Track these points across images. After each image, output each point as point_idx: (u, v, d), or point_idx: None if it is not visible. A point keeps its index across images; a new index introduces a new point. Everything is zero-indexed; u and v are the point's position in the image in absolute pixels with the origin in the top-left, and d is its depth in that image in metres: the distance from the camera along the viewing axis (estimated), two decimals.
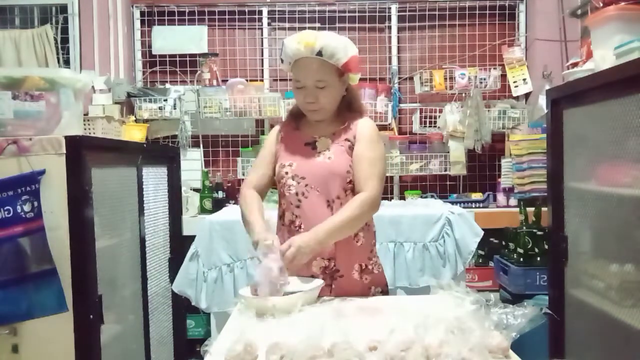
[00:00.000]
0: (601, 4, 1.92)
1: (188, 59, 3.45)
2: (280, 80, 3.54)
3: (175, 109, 3.29)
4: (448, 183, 3.45)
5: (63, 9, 3.38)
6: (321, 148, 1.72)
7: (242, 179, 3.35)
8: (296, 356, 1.06)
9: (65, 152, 1.69)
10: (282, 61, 1.71)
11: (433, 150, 3.34)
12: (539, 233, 2.71)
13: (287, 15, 3.51)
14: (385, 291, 1.81)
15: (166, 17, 3.49)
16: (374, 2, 3.47)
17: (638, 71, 1.48)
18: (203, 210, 3.16)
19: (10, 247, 1.67)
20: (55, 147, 1.69)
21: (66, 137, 1.70)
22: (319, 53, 1.60)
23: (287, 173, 1.71)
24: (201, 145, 3.47)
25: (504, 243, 2.93)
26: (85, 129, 2.30)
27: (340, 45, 1.63)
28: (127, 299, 2.18)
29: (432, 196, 3.27)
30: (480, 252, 3.14)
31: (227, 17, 3.49)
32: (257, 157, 1.86)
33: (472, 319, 1.17)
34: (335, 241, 1.66)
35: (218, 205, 3.15)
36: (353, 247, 1.72)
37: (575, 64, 2.23)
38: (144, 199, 2.31)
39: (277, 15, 3.51)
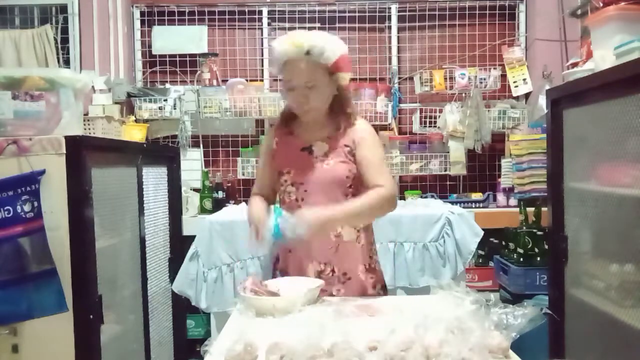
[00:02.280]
0: (601, 4, 1.92)
1: (188, 59, 3.45)
2: (280, 80, 3.53)
3: (175, 109, 3.29)
4: (448, 183, 3.44)
5: (63, 9, 3.38)
6: (318, 153, 1.72)
7: (242, 179, 3.36)
8: (296, 356, 1.06)
9: (65, 152, 1.69)
10: (270, 64, 1.72)
11: (433, 150, 3.34)
12: (539, 233, 2.71)
13: (287, 15, 3.50)
14: (384, 287, 1.83)
15: (166, 17, 3.49)
16: (374, 2, 3.47)
17: (638, 71, 1.48)
18: (203, 210, 3.16)
19: (10, 247, 1.67)
20: (55, 147, 1.69)
21: (66, 137, 1.70)
22: (308, 52, 1.61)
23: (285, 180, 1.72)
24: (201, 145, 3.47)
25: (504, 243, 2.93)
26: (85, 129, 2.30)
27: (329, 44, 1.63)
28: (127, 299, 2.18)
29: (432, 196, 3.27)
30: (480, 252, 3.14)
31: (227, 17, 3.49)
32: (257, 168, 1.86)
33: (472, 319, 1.17)
34: (345, 226, 1.66)
35: (218, 205, 3.15)
36: (356, 248, 1.73)
37: (575, 64, 2.23)
38: (144, 199, 2.31)
39: (277, 15, 3.51)
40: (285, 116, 1.81)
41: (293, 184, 1.70)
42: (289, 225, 1.51)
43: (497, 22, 3.49)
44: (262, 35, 3.53)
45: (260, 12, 3.50)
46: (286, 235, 1.51)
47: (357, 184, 1.70)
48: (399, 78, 3.49)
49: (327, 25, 3.49)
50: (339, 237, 1.70)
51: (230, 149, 3.51)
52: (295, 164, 1.71)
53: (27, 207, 1.67)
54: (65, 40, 3.37)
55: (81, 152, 1.70)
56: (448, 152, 3.28)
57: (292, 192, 1.70)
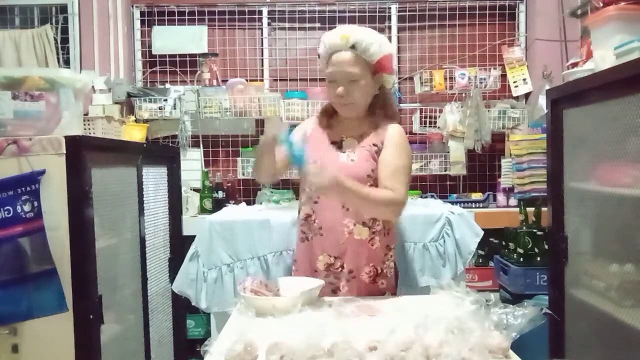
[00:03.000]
0: (601, 4, 1.92)
1: (188, 59, 3.45)
2: (280, 80, 3.54)
3: (175, 109, 3.29)
4: (448, 183, 3.45)
5: (63, 9, 3.38)
6: (346, 148, 1.73)
7: (242, 179, 3.36)
8: (296, 356, 1.06)
9: (65, 152, 1.68)
10: (319, 57, 1.73)
11: (433, 150, 3.34)
12: (539, 233, 2.71)
13: (287, 15, 3.51)
14: (395, 294, 1.83)
15: (166, 17, 3.49)
16: (374, 2, 3.47)
17: (638, 71, 1.48)
18: (203, 210, 3.16)
19: (10, 247, 1.67)
20: (55, 147, 1.68)
21: (66, 137, 1.70)
22: (353, 46, 1.62)
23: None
24: (201, 145, 3.47)
25: (504, 243, 2.93)
26: (85, 129, 2.29)
27: (375, 42, 1.63)
28: (127, 299, 2.18)
29: (432, 196, 3.27)
30: (480, 252, 3.14)
31: (227, 17, 3.49)
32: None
33: (472, 319, 1.17)
34: (343, 200, 1.66)
35: (218, 205, 3.15)
36: (366, 248, 1.73)
37: (575, 64, 2.23)
38: (144, 199, 2.30)
39: (277, 15, 3.51)
40: (327, 112, 1.82)
41: None
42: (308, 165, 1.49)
43: (497, 22, 3.49)
44: (262, 35, 3.53)
45: (260, 12, 3.50)
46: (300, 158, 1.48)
47: (376, 183, 1.70)
48: (399, 78, 3.49)
49: (327, 25, 3.48)
50: (351, 233, 1.71)
51: (230, 149, 3.51)
52: (322, 156, 1.70)
53: (27, 207, 1.67)
54: (65, 40, 3.37)
55: (81, 152, 1.70)
56: (448, 152, 3.28)
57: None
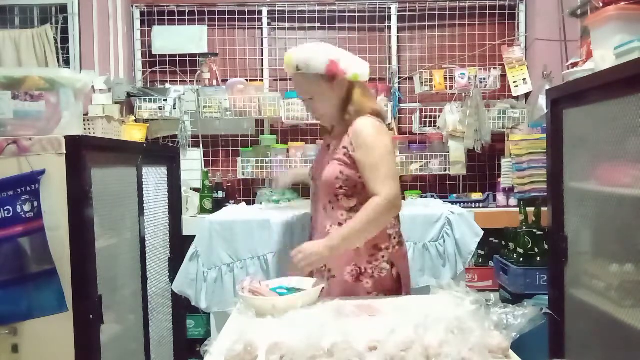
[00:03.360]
0: (601, 4, 1.92)
1: (188, 59, 3.45)
2: (280, 80, 3.54)
3: (175, 109, 3.29)
4: (448, 183, 3.44)
5: (63, 9, 3.38)
6: (331, 152, 1.80)
7: (242, 179, 3.36)
8: (296, 356, 1.06)
9: (65, 152, 1.68)
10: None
11: (433, 150, 3.34)
12: (539, 233, 2.71)
13: (287, 15, 3.50)
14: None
15: (166, 17, 3.49)
16: (374, 2, 3.47)
17: (638, 71, 1.48)
18: (203, 210, 3.15)
19: (10, 247, 1.67)
20: (55, 147, 1.68)
21: (66, 137, 1.70)
22: (297, 68, 1.70)
23: (309, 175, 1.89)
24: (201, 145, 3.47)
25: (504, 243, 2.93)
26: (85, 129, 2.29)
27: (313, 55, 1.69)
28: (127, 299, 2.18)
29: (432, 196, 3.27)
30: (480, 252, 3.14)
31: (227, 17, 3.49)
32: None
33: (472, 319, 1.17)
34: (354, 246, 1.71)
35: (218, 205, 3.14)
36: (347, 249, 1.73)
37: (575, 64, 2.23)
38: (144, 199, 2.31)
39: (277, 15, 3.51)
40: None
41: (312, 179, 1.85)
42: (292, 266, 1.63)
43: (497, 22, 3.49)
44: (262, 35, 3.53)
45: (260, 12, 3.50)
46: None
47: (351, 185, 1.74)
48: (399, 78, 3.48)
49: (327, 25, 3.49)
50: (328, 233, 1.74)
51: (230, 149, 3.51)
52: (316, 160, 1.87)
53: (27, 207, 1.67)
54: (65, 40, 3.37)
55: (81, 152, 1.70)
56: (448, 152, 3.28)
57: (311, 186, 1.88)
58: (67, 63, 3.36)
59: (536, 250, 2.70)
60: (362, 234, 1.67)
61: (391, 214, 1.70)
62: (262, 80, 3.50)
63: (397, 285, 1.80)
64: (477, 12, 3.48)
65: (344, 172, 1.72)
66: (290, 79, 3.47)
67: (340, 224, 1.74)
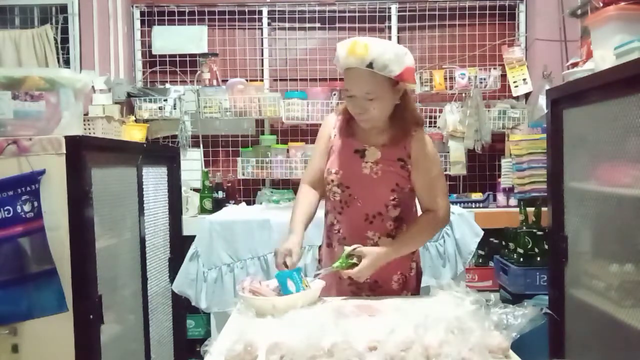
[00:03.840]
0: (601, 4, 1.92)
1: (188, 59, 3.45)
2: (280, 80, 3.54)
3: (175, 109, 3.29)
4: (448, 183, 3.44)
5: (63, 9, 3.38)
6: (369, 158, 1.68)
7: (242, 179, 3.36)
8: (296, 356, 1.06)
9: (65, 152, 1.68)
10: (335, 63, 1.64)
11: None
12: (539, 233, 2.71)
13: (287, 15, 3.51)
14: (414, 294, 1.80)
15: (166, 17, 3.49)
16: (374, 2, 3.47)
17: (638, 71, 1.48)
18: (203, 210, 3.16)
19: (10, 247, 1.67)
20: (55, 147, 1.68)
21: (66, 137, 1.70)
22: (370, 65, 1.51)
23: (332, 180, 1.69)
24: (201, 145, 3.47)
25: (504, 243, 2.93)
26: (85, 129, 2.29)
27: (394, 57, 1.53)
28: (127, 299, 2.18)
29: None
30: (480, 252, 3.13)
31: (227, 17, 3.49)
32: (313, 149, 1.83)
33: (472, 319, 1.17)
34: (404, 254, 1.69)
35: (218, 205, 3.15)
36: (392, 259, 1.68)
37: (575, 64, 2.23)
38: (144, 199, 2.30)
39: (277, 15, 3.51)
40: (348, 114, 1.72)
41: (339, 186, 1.68)
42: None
43: (497, 22, 3.49)
44: (262, 35, 3.53)
45: (260, 12, 3.50)
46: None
47: (403, 197, 1.68)
48: None
49: (327, 25, 3.49)
50: (376, 245, 1.67)
51: (230, 149, 3.51)
52: (345, 166, 1.68)
53: (27, 207, 1.67)
54: (65, 40, 3.37)
55: (81, 152, 1.70)
56: (448, 152, 3.28)
57: (337, 193, 1.69)
58: (67, 63, 3.36)
59: (536, 250, 2.69)
60: (417, 245, 1.74)
61: (441, 227, 1.77)
62: (262, 80, 3.50)
63: (418, 282, 1.81)
64: (477, 12, 3.48)
65: (399, 184, 1.66)
66: (289, 78, 3.51)
67: (389, 235, 1.68)
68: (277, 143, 3.36)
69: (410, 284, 1.77)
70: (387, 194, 1.66)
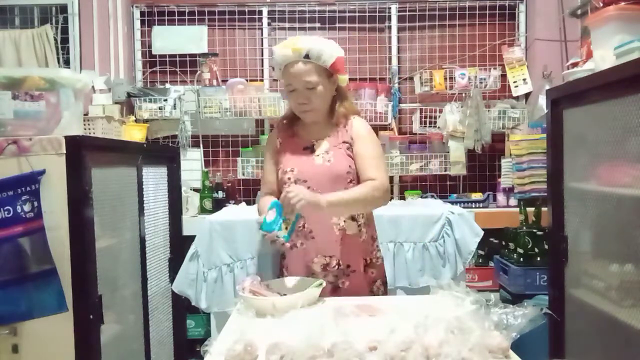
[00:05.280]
0: (601, 4, 1.92)
1: (188, 59, 3.45)
2: (278, 82, 3.53)
3: (175, 109, 3.29)
4: (448, 183, 3.44)
5: (63, 9, 3.38)
6: (319, 151, 1.79)
7: (242, 179, 3.36)
8: (296, 356, 1.06)
9: (65, 152, 1.68)
10: (272, 69, 1.82)
11: (433, 150, 3.34)
12: (539, 233, 2.71)
13: (287, 15, 3.51)
14: (385, 283, 1.90)
15: (166, 17, 3.49)
16: (374, 2, 3.47)
17: (638, 71, 1.48)
18: (203, 210, 3.16)
19: (10, 247, 1.67)
20: (55, 147, 1.68)
21: (66, 137, 1.70)
22: (307, 56, 1.69)
23: (289, 178, 1.79)
24: (201, 145, 3.47)
25: (504, 243, 2.93)
26: (85, 129, 2.30)
27: (326, 47, 1.71)
28: (127, 299, 2.18)
29: (432, 196, 3.27)
30: (480, 252, 3.14)
31: (227, 17, 3.49)
32: (264, 164, 1.95)
33: (472, 319, 1.17)
34: (340, 215, 1.74)
35: (218, 205, 3.15)
36: (358, 242, 1.80)
37: (575, 64, 2.23)
38: (144, 199, 2.30)
39: (277, 15, 3.51)
40: (288, 118, 1.89)
41: (296, 181, 1.77)
42: (286, 199, 1.54)
43: (497, 22, 3.49)
44: (262, 35, 3.53)
45: (260, 12, 3.50)
46: (274, 230, 1.53)
47: (355, 177, 1.78)
48: (399, 78, 3.48)
49: (327, 25, 3.49)
50: (342, 230, 1.77)
51: (230, 149, 3.51)
52: (299, 162, 1.79)
53: (27, 207, 1.67)
54: (65, 40, 3.37)
55: (81, 152, 1.70)
56: (448, 152, 3.28)
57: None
58: (67, 63, 3.36)
59: (536, 250, 2.70)
60: (355, 207, 1.74)
61: (382, 201, 1.75)
62: (262, 80, 3.50)
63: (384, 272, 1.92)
64: (477, 12, 3.48)
65: (352, 165, 1.77)
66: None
67: (352, 217, 1.79)
68: None
69: (379, 272, 1.86)
70: (343, 177, 1.75)
